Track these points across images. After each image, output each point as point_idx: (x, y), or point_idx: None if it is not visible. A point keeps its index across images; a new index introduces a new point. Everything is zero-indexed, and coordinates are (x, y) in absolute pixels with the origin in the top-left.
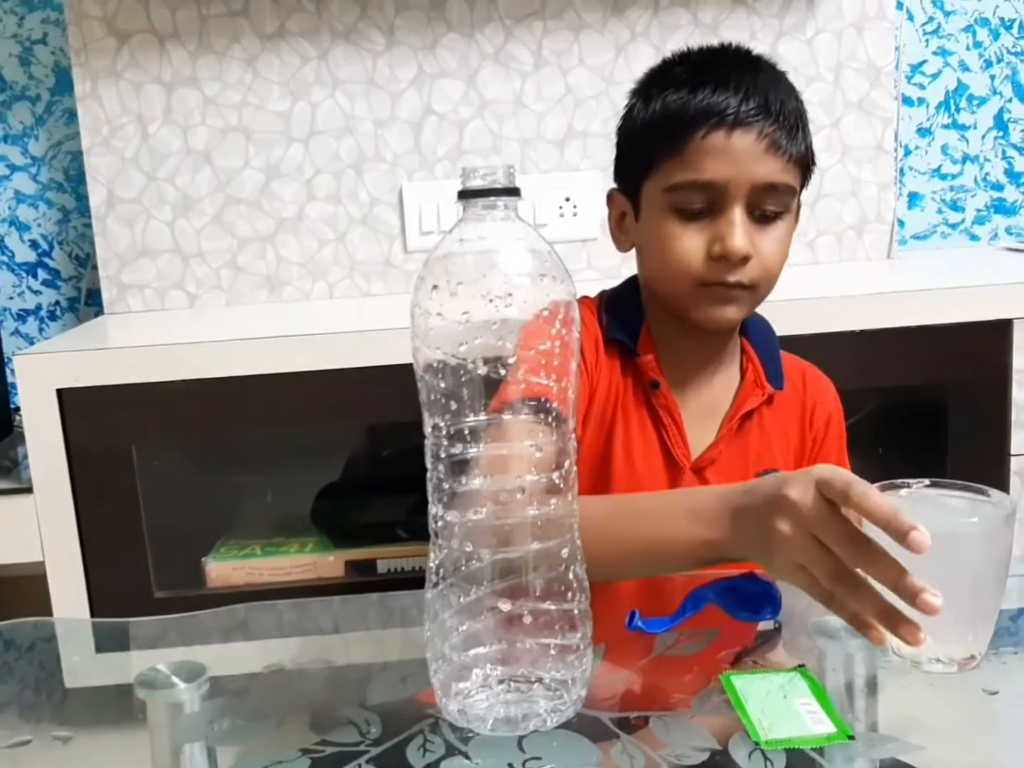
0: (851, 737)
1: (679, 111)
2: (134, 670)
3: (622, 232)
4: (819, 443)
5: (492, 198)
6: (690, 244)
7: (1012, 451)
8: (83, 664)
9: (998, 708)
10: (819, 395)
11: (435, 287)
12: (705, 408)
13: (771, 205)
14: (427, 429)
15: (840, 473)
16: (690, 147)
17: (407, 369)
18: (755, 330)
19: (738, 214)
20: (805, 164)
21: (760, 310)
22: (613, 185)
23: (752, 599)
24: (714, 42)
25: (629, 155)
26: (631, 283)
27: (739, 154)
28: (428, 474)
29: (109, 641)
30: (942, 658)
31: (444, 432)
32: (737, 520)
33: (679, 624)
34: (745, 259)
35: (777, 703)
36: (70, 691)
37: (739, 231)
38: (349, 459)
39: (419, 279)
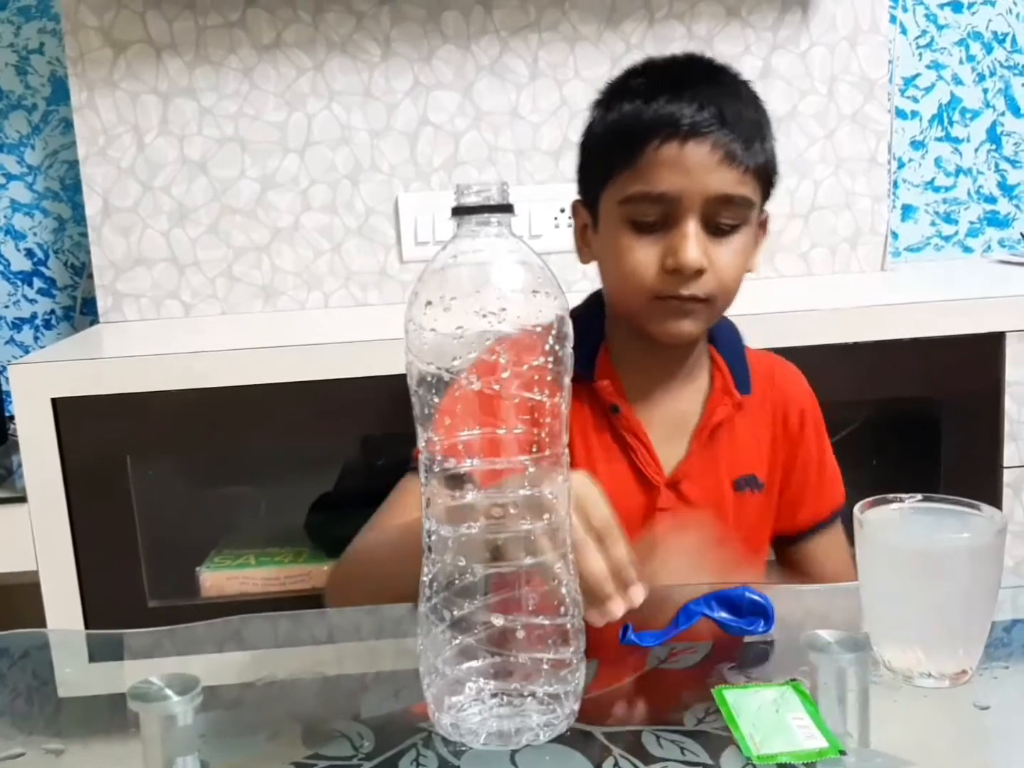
0: (842, 752)
1: (633, 121)
2: (127, 681)
3: (585, 244)
4: (796, 441)
5: (486, 215)
6: (644, 257)
7: (1004, 463)
8: (76, 675)
9: (989, 723)
10: (790, 391)
11: (429, 303)
12: (674, 422)
13: (727, 217)
14: (421, 443)
15: (595, 512)
16: (644, 158)
17: (402, 380)
18: (721, 336)
19: (692, 227)
20: (765, 175)
21: (754, 323)
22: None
23: (745, 612)
24: (707, 55)
25: (588, 166)
26: (594, 299)
27: (693, 166)
28: (422, 488)
29: (103, 652)
30: (933, 673)
31: (437, 447)
32: None
33: (672, 638)
34: (699, 272)
35: (769, 718)
36: (63, 701)
37: (692, 244)
38: (343, 470)
39: (413, 294)
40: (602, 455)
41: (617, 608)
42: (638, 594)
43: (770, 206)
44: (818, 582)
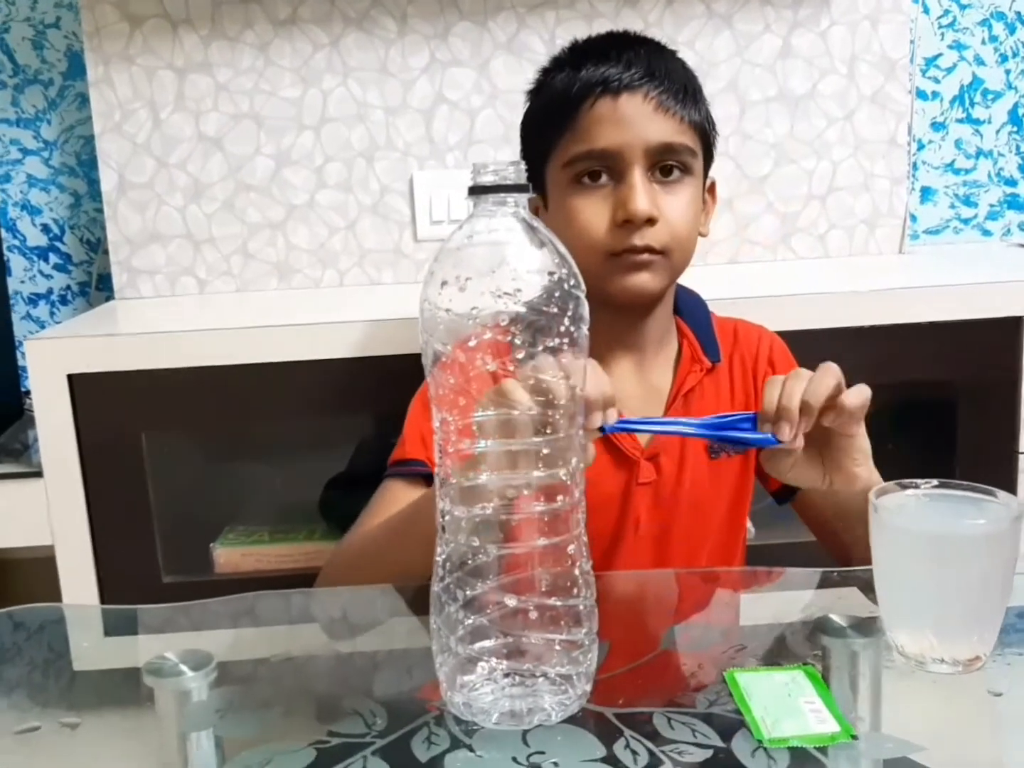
0: (854, 737)
1: (565, 88)
2: (142, 655)
3: None
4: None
5: (502, 195)
6: (594, 215)
7: (1021, 449)
8: (91, 649)
9: (1002, 709)
10: (754, 347)
11: (444, 283)
12: (646, 395)
13: (671, 163)
14: (435, 423)
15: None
16: (580, 119)
17: (416, 358)
18: (686, 305)
19: (637, 177)
20: (704, 131)
21: (770, 305)
22: None
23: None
24: (726, 34)
25: (528, 146)
26: None
27: (628, 117)
28: (436, 468)
29: (117, 627)
30: (947, 659)
31: (452, 427)
32: None
33: (659, 430)
34: (651, 221)
35: (781, 701)
36: (78, 675)
37: (640, 193)
38: (357, 448)
39: (428, 274)
40: None
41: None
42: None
43: (768, 180)
44: (823, 529)
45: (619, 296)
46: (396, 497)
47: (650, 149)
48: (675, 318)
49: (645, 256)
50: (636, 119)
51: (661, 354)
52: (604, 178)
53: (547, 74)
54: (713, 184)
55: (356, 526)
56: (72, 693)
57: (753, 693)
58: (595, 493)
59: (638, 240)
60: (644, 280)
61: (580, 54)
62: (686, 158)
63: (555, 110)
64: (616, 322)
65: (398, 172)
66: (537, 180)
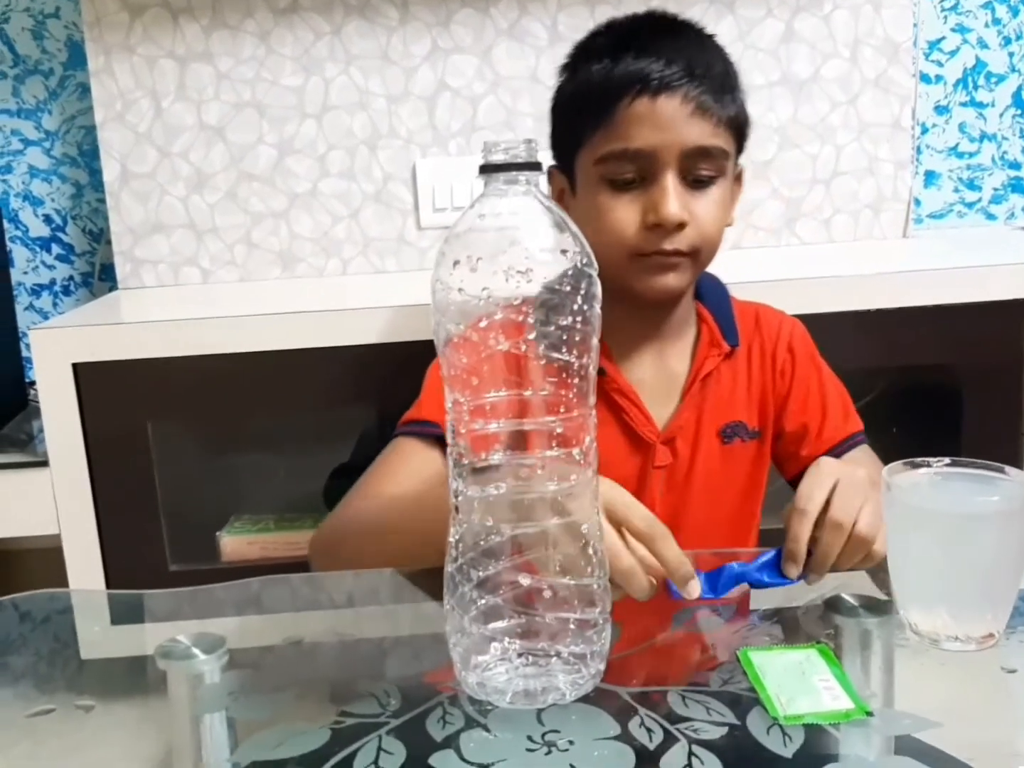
0: (869, 713)
1: (603, 81)
2: (150, 642)
3: (563, 208)
4: (788, 380)
5: (514, 173)
6: (624, 215)
7: None
8: (99, 636)
9: (1016, 686)
10: (774, 333)
11: (456, 262)
12: (664, 379)
13: (704, 169)
14: (448, 404)
15: (636, 516)
16: (616, 116)
17: (421, 346)
18: (706, 290)
19: (670, 180)
20: (738, 127)
21: (775, 289)
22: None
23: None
24: (728, 19)
25: (560, 129)
26: None
27: (666, 119)
28: (448, 449)
29: (125, 613)
30: (960, 636)
31: (465, 407)
32: None
33: (715, 599)
34: (681, 225)
35: (795, 679)
36: (86, 663)
37: (672, 198)
38: (362, 437)
39: (440, 254)
40: None
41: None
42: (695, 588)
43: (771, 165)
44: None
45: (644, 294)
46: (408, 456)
47: (685, 152)
48: (695, 302)
49: (673, 259)
50: (673, 121)
51: (680, 340)
52: (635, 177)
53: (584, 54)
54: (741, 171)
55: (361, 486)
56: (83, 677)
57: (767, 671)
58: (611, 476)
59: (668, 244)
60: (670, 280)
61: (620, 42)
62: (719, 161)
63: (591, 102)
64: (636, 312)
65: (401, 160)
66: (567, 162)
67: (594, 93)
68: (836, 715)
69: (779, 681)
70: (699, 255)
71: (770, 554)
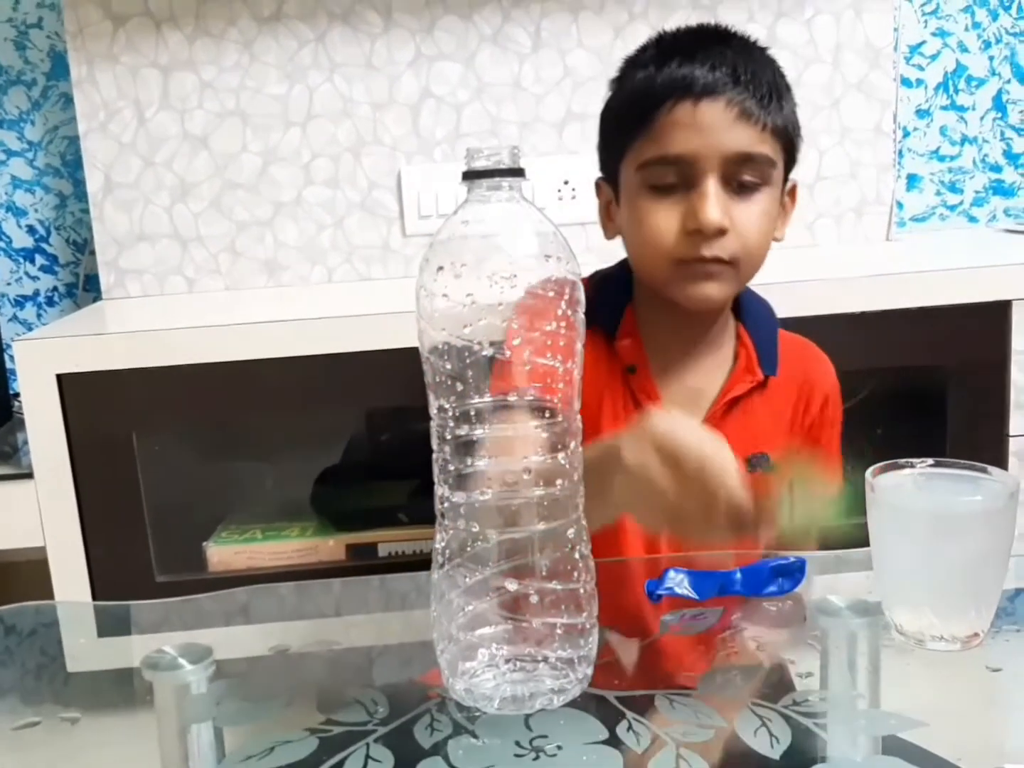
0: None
1: (646, 88)
2: (137, 653)
3: (609, 219)
4: (814, 425)
5: (497, 179)
6: (664, 221)
7: (1011, 432)
8: (86, 648)
9: (1001, 685)
10: (817, 377)
11: (440, 268)
12: (691, 393)
13: (747, 175)
14: (433, 411)
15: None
16: (658, 122)
17: (407, 353)
18: (752, 314)
19: (711, 186)
20: (787, 136)
21: (760, 292)
22: (600, 175)
23: (773, 575)
24: (713, 23)
25: (606, 139)
26: (624, 263)
27: (707, 125)
28: (434, 455)
29: (111, 624)
30: (945, 636)
31: (450, 413)
32: None
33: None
34: (721, 232)
35: None
36: (73, 675)
37: (712, 203)
38: (348, 444)
39: (424, 260)
40: (611, 414)
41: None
42: None
43: (796, 174)
44: None
45: (683, 302)
46: None
47: (727, 158)
48: (737, 324)
49: (713, 267)
50: (715, 127)
51: (713, 357)
52: (677, 184)
53: (631, 66)
54: (795, 186)
55: None
56: (69, 689)
57: None
58: None
59: (707, 251)
60: (710, 290)
61: (665, 50)
62: (764, 168)
63: (633, 109)
64: (675, 321)
65: (385, 167)
66: (612, 173)
67: (637, 100)
68: None
69: None
70: (740, 265)
71: (762, 566)
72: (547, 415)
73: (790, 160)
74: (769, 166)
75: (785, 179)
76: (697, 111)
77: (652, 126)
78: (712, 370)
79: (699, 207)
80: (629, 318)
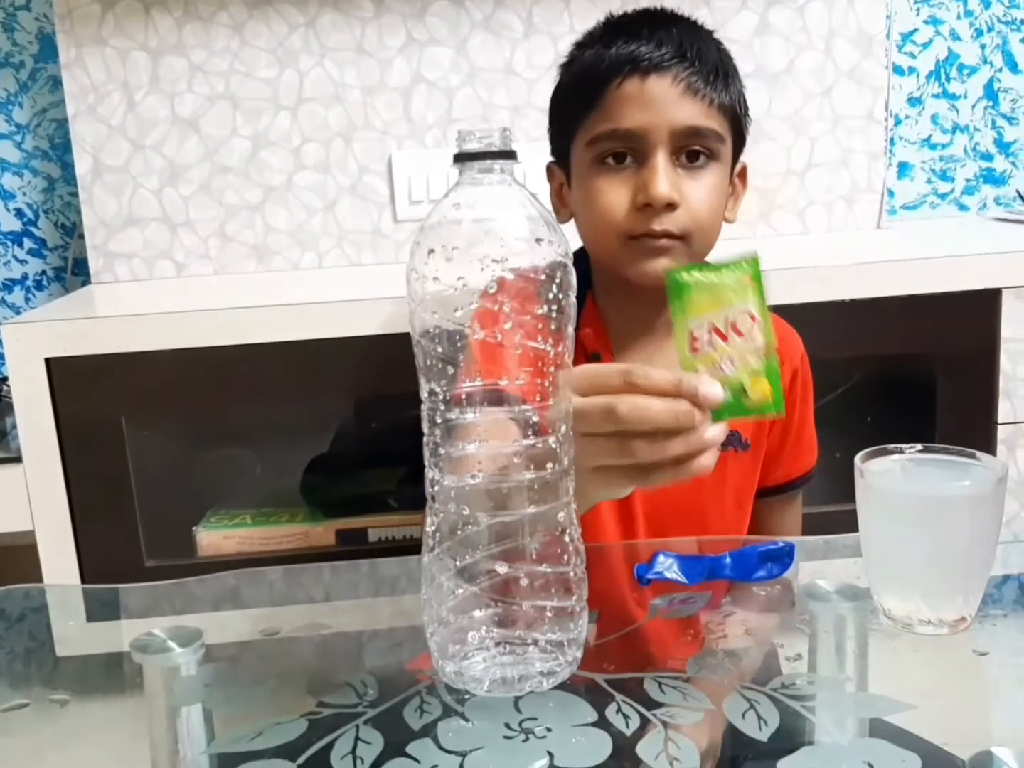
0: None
1: (594, 64)
2: (126, 637)
3: (562, 203)
4: (785, 401)
5: (488, 161)
6: (615, 196)
7: (999, 419)
8: (74, 631)
9: (987, 669)
10: (785, 351)
11: (431, 251)
12: None
13: (697, 148)
14: (423, 394)
15: (604, 369)
16: (607, 97)
17: (398, 339)
18: None
19: (661, 160)
20: (734, 114)
21: None
22: (552, 159)
23: (762, 560)
24: (703, 11)
25: (557, 122)
26: (579, 253)
27: (656, 99)
28: (424, 439)
29: (100, 608)
30: (933, 620)
31: (440, 397)
32: None
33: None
34: (671, 206)
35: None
36: (62, 659)
37: (662, 177)
38: (338, 430)
39: (415, 243)
40: None
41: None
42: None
43: (746, 157)
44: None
45: (636, 279)
46: None
47: (676, 132)
48: None
49: (664, 241)
50: (663, 101)
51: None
52: (627, 160)
53: (580, 48)
54: (744, 168)
55: None
56: (58, 672)
57: (692, 304)
58: None
59: (657, 225)
60: (662, 265)
61: (612, 30)
62: (712, 143)
63: (582, 87)
64: (634, 303)
65: (376, 152)
66: (563, 158)
67: (586, 77)
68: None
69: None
70: (691, 239)
71: (751, 551)
72: (538, 399)
73: (739, 140)
74: (717, 140)
75: (734, 160)
76: (645, 86)
77: (602, 101)
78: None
79: (649, 181)
80: (590, 306)
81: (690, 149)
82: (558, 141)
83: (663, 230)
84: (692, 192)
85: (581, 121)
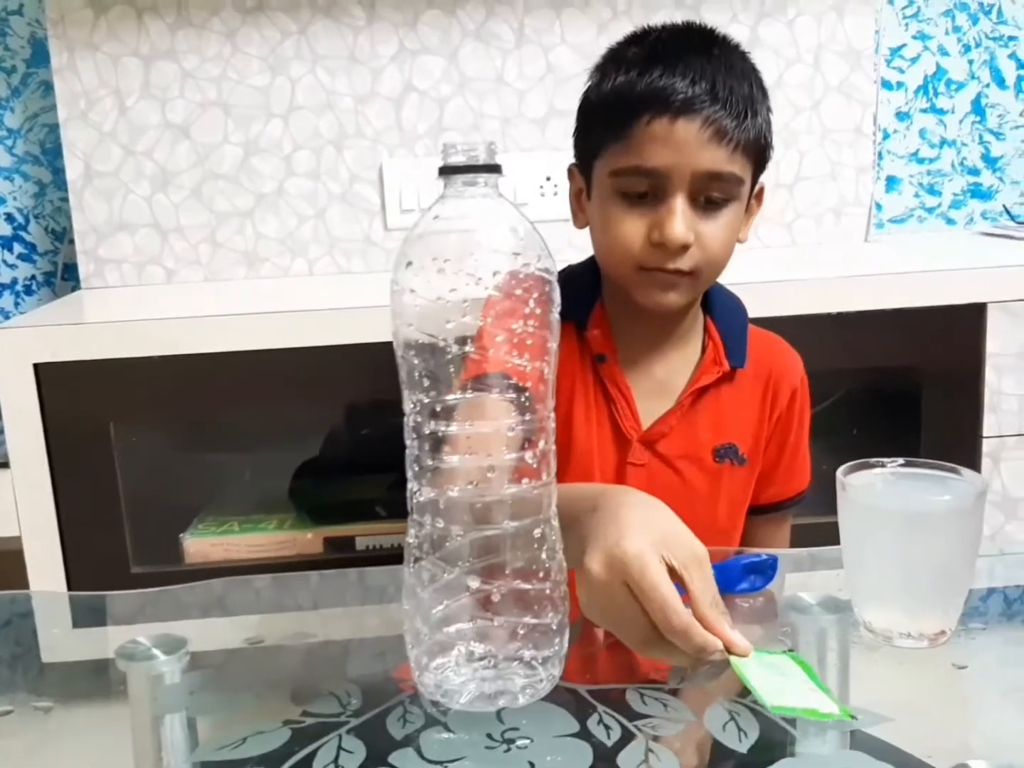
0: (853, 717)
1: (626, 94)
2: (111, 644)
3: (580, 208)
4: (781, 420)
5: (473, 175)
6: (631, 229)
7: (984, 433)
8: (60, 638)
9: (967, 682)
10: (785, 371)
11: (412, 264)
12: (659, 383)
13: (715, 193)
14: (407, 407)
15: (636, 564)
16: (634, 133)
17: (386, 347)
18: (721, 309)
19: (679, 203)
20: (757, 150)
21: (739, 292)
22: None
23: (745, 572)
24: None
25: (583, 134)
26: (593, 260)
27: (682, 142)
28: (407, 451)
29: (86, 615)
30: (913, 633)
31: (423, 410)
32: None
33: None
34: (684, 248)
35: (776, 676)
36: (47, 666)
37: (678, 220)
38: (327, 437)
39: (398, 256)
40: (582, 404)
41: (714, 643)
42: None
43: (764, 177)
44: None
45: (644, 305)
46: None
47: (697, 175)
48: (705, 318)
49: (674, 277)
50: (689, 145)
51: (681, 351)
52: (646, 192)
53: (614, 64)
54: (762, 189)
55: None
56: (43, 679)
57: (748, 665)
58: (593, 466)
59: (670, 263)
60: (670, 298)
61: (649, 55)
62: (732, 186)
63: (612, 115)
64: (638, 313)
65: (367, 160)
66: (586, 165)
67: (616, 106)
68: (821, 714)
69: (762, 675)
70: (701, 275)
71: (734, 563)
72: (514, 413)
73: (759, 169)
74: (737, 184)
75: (753, 185)
76: (674, 128)
77: (628, 135)
78: (680, 362)
79: (666, 222)
80: (599, 311)
81: (709, 193)
82: (582, 152)
83: (675, 268)
84: (707, 232)
85: (606, 147)
